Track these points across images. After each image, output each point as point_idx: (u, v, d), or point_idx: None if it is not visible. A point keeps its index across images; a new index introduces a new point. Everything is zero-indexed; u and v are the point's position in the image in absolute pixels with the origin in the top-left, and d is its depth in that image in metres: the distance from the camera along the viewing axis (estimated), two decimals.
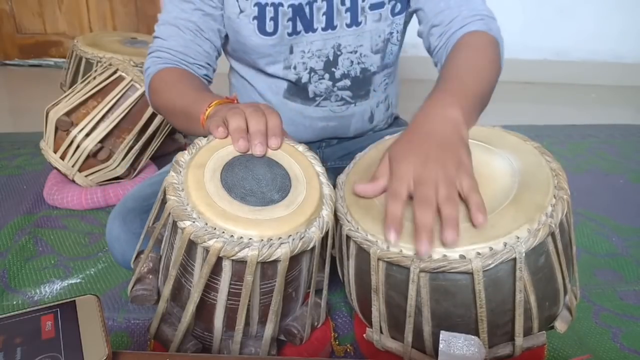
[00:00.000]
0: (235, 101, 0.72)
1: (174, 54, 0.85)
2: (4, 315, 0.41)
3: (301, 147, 0.68)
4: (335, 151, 1.02)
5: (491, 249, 0.53)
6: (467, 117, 0.65)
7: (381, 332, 0.64)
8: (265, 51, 0.88)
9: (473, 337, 0.49)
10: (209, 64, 0.89)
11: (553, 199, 0.57)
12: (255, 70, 0.94)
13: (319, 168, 0.66)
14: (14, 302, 0.94)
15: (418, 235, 0.53)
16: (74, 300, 0.43)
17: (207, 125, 0.66)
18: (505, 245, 0.54)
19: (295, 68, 0.90)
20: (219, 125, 0.64)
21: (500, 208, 0.57)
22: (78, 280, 1.01)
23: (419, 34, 0.88)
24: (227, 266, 0.57)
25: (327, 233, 0.62)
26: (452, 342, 0.49)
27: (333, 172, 0.72)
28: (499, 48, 0.79)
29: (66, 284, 1.00)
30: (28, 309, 0.42)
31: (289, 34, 0.87)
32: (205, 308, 0.62)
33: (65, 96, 1.25)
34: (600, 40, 2.38)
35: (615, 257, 1.11)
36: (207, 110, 0.70)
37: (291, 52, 0.88)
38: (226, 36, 0.91)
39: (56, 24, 2.50)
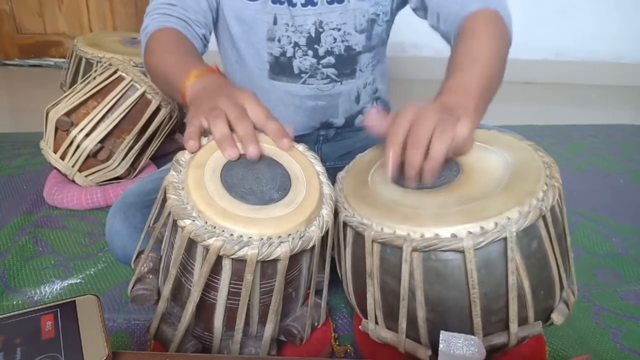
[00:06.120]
0: (217, 71, 0.72)
1: (174, 9, 0.85)
2: (4, 315, 0.41)
3: (301, 147, 0.68)
4: (334, 149, 1.02)
5: (482, 228, 0.55)
6: (476, 113, 0.65)
7: (376, 322, 0.65)
8: (248, 18, 0.89)
9: (473, 337, 0.49)
10: (206, 24, 0.89)
11: (544, 186, 0.59)
12: (239, 51, 0.94)
13: (319, 167, 0.67)
14: (14, 302, 0.94)
15: (408, 172, 0.59)
16: (74, 300, 0.43)
17: (186, 125, 0.64)
18: (496, 225, 0.55)
19: (279, 41, 0.91)
20: (190, 138, 0.61)
21: (493, 194, 0.59)
22: (78, 281, 1.01)
23: (431, 26, 0.90)
24: (227, 265, 0.57)
25: (327, 232, 0.62)
26: (452, 342, 0.49)
27: (332, 172, 0.72)
28: (502, 19, 0.79)
29: (66, 284, 1.00)
30: (28, 309, 0.42)
31: (273, 1, 0.88)
32: (205, 308, 0.62)
33: (65, 96, 1.25)
34: (599, 40, 2.38)
35: (615, 257, 1.11)
36: (186, 83, 0.69)
37: (275, 22, 0.89)
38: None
39: (56, 24, 2.50)
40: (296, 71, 0.93)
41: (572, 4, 2.33)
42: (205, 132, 0.64)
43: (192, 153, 0.62)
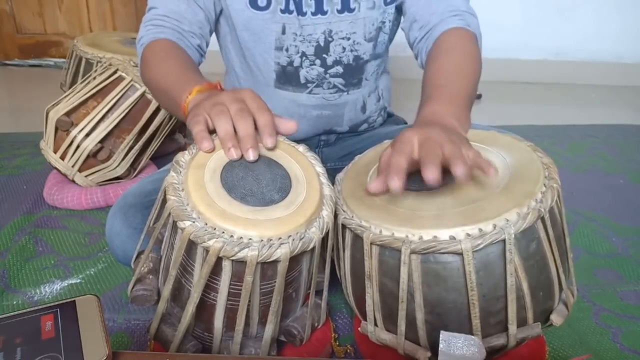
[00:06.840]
0: (219, 87, 0.72)
1: (168, 20, 0.85)
2: (4, 315, 0.41)
3: (301, 148, 0.68)
4: (334, 151, 1.02)
5: (480, 230, 0.55)
6: (461, 124, 0.68)
7: (375, 324, 0.65)
8: (256, 28, 0.88)
9: (473, 337, 0.49)
10: (202, 35, 0.89)
11: (543, 187, 0.59)
12: (246, 60, 0.94)
13: (320, 168, 0.66)
14: (14, 302, 0.94)
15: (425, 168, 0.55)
16: (74, 300, 0.43)
17: (189, 124, 0.64)
18: (494, 227, 0.55)
19: (287, 50, 0.90)
20: (203, 138, 0.61)
21: (491, 196, 0.59)
22: (78, 281, 1.01)
23: (402, 29, 0.92)
24: (227, 266, 0.57)
25: (327, 234, 0.62)
26: (452, 342, 0.49)
27: (333, 173, 0.72)
28: (478, 43, 0.84)
29: (66, 284, 1.00)
30: (28, 309, 0.42)
31: (282, 11, 0.87)
32: (205, 308, 0.62)
33: (65, 96, 1.25)
34: (600, 40, 2.38)
35: (615, 257, 1.11)
36: (187, 97, 0.69)
37: (283, 32, 0.88)
38: (218, 21, 0.92)
39: (56, 24, 2.50)
40: (302, 81, 0.92)
41: (572, 4, 2.33)
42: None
43: (207, 152, 0.61)
